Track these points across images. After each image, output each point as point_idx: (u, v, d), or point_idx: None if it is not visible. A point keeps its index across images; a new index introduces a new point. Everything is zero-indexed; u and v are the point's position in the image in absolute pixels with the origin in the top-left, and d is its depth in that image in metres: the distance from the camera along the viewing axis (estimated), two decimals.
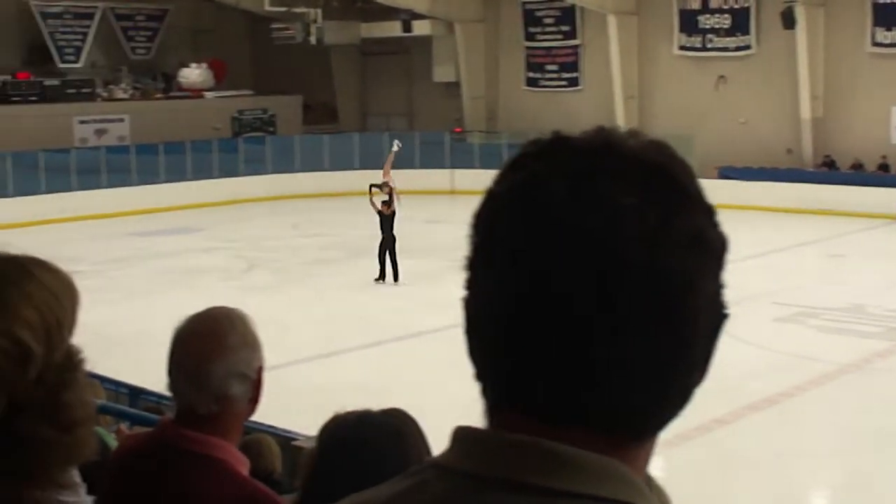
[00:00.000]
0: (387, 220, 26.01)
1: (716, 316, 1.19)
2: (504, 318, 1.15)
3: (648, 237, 1.12)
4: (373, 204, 26.50)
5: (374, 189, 27.11)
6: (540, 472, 1.13)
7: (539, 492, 1.12)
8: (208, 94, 48.02)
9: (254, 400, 2.96)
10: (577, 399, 1.14)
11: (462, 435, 1.20)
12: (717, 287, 1.19)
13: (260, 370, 2.95)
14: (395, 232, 25.88)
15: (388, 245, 25.87)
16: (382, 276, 25.84)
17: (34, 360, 1.36)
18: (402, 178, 42.93)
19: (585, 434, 1.14)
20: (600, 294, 1.11)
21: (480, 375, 1.20)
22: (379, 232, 25.77)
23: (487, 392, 1.20)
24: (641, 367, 1.13)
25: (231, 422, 2.93)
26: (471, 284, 1.20)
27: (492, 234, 1.17)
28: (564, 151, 1.17)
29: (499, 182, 1.19)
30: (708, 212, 1.19)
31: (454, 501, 1.16)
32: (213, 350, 2.87)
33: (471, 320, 1.20)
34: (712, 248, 1.17)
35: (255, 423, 9.74)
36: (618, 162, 1.15)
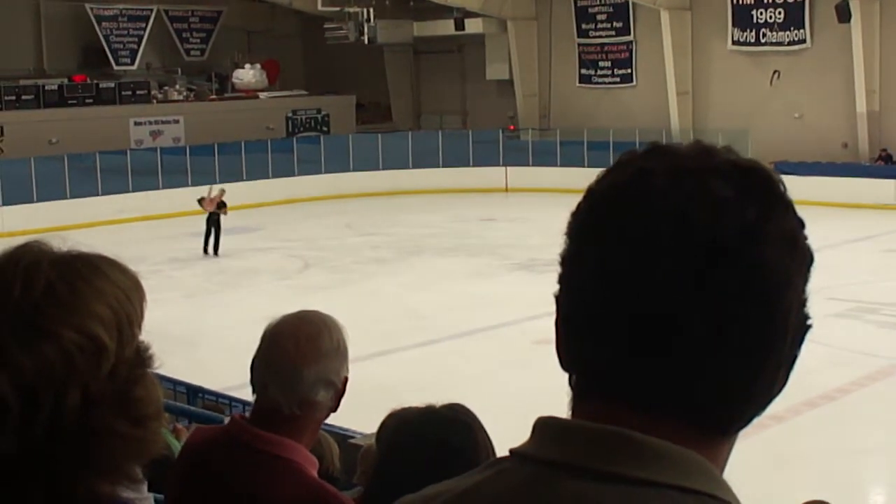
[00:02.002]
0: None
1: (803, 320, 1.23)
2: (602, 307, 1.18)
3: (748, 230, 1.15)
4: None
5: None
6: (625, 461, 1.15)
7: (624, 481, 1.14)
8: (262, 95, 48.23)
9: (333, 409, 2.99)
10: (671, 389, 1.16)
11: (544, 424, 1.22)
12: (804, 293, 1.22)
13: (345, 380, 2.97)
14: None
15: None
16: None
17: (108, 354, 1.39)
18: (456, 176, 43.13)
19: (675, 425, 1.17)
20: (702, 283, 1.14)
21: (571, 365, 1.23)
22: None
23: (578, 382, 1.22)
24: (731, 361, 1.16)
25: (308, 426, 2.95)
26: (566, 277, 1.23)
27: (596, 226, 1.20)
28: (667, 153, 1.22)
29: (600, 180, 1.23)
30: (800, 221, 1.24)
31: (538, 488, 1.18)
32: (309, 354, 2.89)
33: (565, 311, 1.23)
34: (804, 253, 1.22)
35: None
36: (717, 163, 1.20)
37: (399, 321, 21.85)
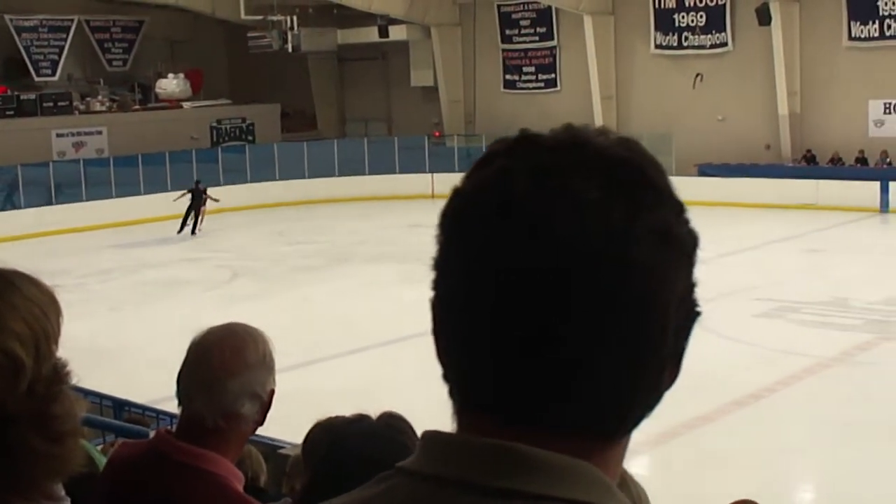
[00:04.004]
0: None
1: (687, 313, 1.17)
2: (470, 316, 1.13)
3: (613, 231, 1.10)
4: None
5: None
6: (508, 475, 1.11)
7: (507, 495, 1.11)
8: (186, 105, 47.96)
9: (259, 422, 2.95)
10: (544, 399, 1.12)
11: (430, 439, 1.18)
12: (688, 284, 1.17)
13: (272, 393, 2.94)
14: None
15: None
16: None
17: (25, 372, 1.36)
18: (382, 183, 43.19)
19: (554, 436, 1.13)
20: (566, 289, 1.09)
21: (448, 377, 1.19)
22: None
23: (455, 394, 1.18)
24: (609, 365, 1.12)
25: (233, 439, 2.91)
26: (438, 284, 1.18)
27: (458, 231, 1.16)
28: (531, 148, 1.16)
29: (465, 179, 1.18)
30: (676, 208, 1.17)
31: None
32: (233, 366, 2.86)
33: (438, 320, 1.18)
34: (681, 245, 1.15)
35: None
36: (583, 157, 1.14)
37: (328, 329, 21.78)
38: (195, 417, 2.87)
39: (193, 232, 36.14)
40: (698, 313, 1.20)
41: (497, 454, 1.12)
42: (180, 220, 36.36)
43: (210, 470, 2.83)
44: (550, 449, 1.11)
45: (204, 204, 36.53)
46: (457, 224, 1.16)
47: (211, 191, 37.36)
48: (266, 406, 2.93)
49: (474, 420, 1.15)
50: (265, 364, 2.92)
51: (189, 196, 36.69)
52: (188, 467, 2.83)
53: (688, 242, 1.17)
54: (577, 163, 1.13)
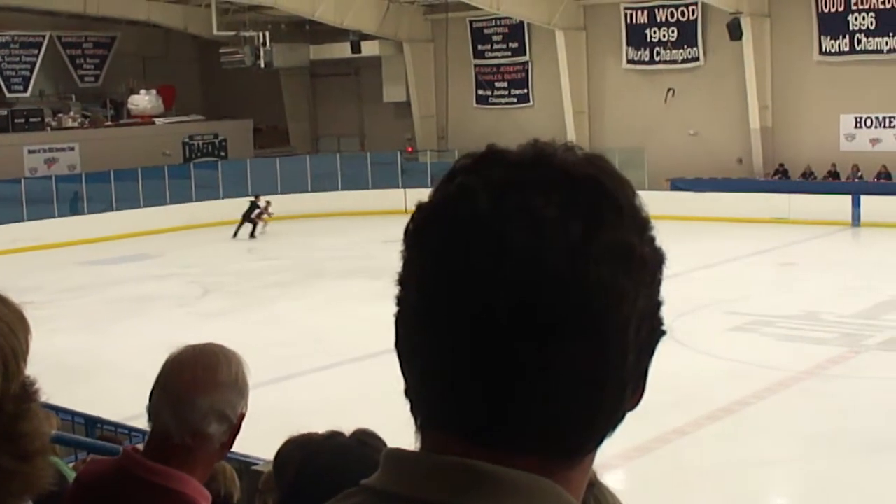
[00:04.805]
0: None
1: (650, 333, 1.17)
2: (427, 334, 1.13)
3: (571, 250, 1.09)
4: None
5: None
6: (469, 493, 1.10)
7: None
8: (158, 121, 47.84)
9: (227, 445, 2.92)
10: (503, 418, 1.11)
11: (392, 457, 1.18)
12: (651, 303, 1.16)
13: (242, 417, 2.91)
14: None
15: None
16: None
17: None
18: (355, 199, 43.22)
19: (516, 454, 1.12)
20: (524, 308, 1.08)
21: (409, 393, 1.18)
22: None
23: (416, 411, 1.18)
24: (568, 384, 1.11)
25: (200, 458, 2.88)
26: (401, 301, 1.17)
27: (419, 247, 1.16)
28: (494, 164, 1.15)
29: (430, 196, 1.18)
30: (640, 226, 1.16)
31: None
32: (203, 383, 2.83)
33: (400, 337, 1.18)
34: (643, 264, 1.14)
35: None
36: (545, 174, 1.13)
37: (301, 345, 21.74)
38: (162, 434, 2.85)
39: (252, 235, 38.98)
40: (663, 333, 1.19)
41: (458, 472, 1.11)
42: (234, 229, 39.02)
43: (176, 489, 2.81)
44: (512, 467, 1.11)
45: (253, 212, 39.09)
46: (417, 240, 1.16)
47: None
48: (235, 429, 2.90)
49: (436, 438, 1.15)
50: (236, 386, 2.89)
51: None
52: (155, 486, 2.81)
53: (651, 261, 1.16)
54: (538, 179, 1.13)
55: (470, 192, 1.13)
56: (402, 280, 1.17)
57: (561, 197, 1.11)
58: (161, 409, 2.87)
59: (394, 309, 1.18)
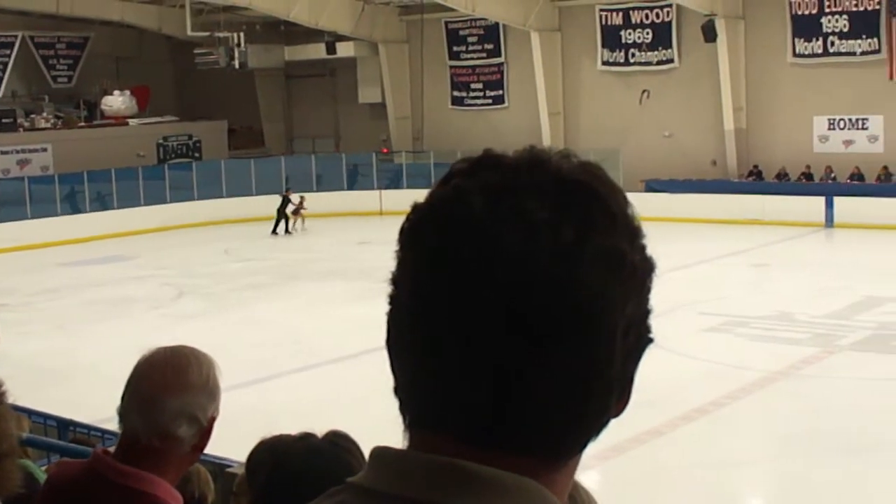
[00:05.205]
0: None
1: (638, 339, 1.18)
2: (419, 332, 1.15)
3: (562, 253, 1.11)
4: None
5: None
6: (455, 492, 1.12)
7: None
8: (132, 122, 47.68)
9: (199, 448, 2.91)
10: (491, 418, 1.13)
11: (379, 455, 1.19)
12: (640, 310, 1.18)
13: (212, 420, 2.89)
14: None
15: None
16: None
17: None
18: (330, 200, 43.11)
19: (502, 454, 1.13)
20: (514, 310, 1.10)
21: (399, 392, 1.20)
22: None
23: (405, 410, 1.19)
24: (556, 387, 1.12)
25: (170, 461, 2.86)
26: (394, 300, 1.19)
27: (413, 247, 1.17)
28: (490, 168, 1.17)
29: (426, 197, 1.19)
30: (631, 234, 1.17)
31: None
32: (173, 385, 2.82)
33: (391, 335, 1.20)
34: (632, 270, 1.16)
35: None
36: (539, 179, 1.15)
37: (277, 347, 21.68)
38: (132, 436, 2.84)
39: (287, 231, 39.58)
40: (650, 340, 1.21)
41: (445, 471, 1.13)
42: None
43: (146, 491, 2.80)
44: (498, 467, 1.12)
45: (286, 207, 39.52)
46: (411, 240, 1.18)
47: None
48: (206, 432, 2.87)
49: (424, 437, 1.16)
50: (207, 388, 2.87)
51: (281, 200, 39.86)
52: (124, 488, 2.79)
53: (641, 269, 1.18)
54: (532, 184, 1.14)
55: (465, 195, 1.14)
56: (396, 279, 1.19)
57: (554, 202, 1.13)
58: (130, 410, 2.85)
59: (382, 309, 1.20)
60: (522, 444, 1.14)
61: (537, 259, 1.11)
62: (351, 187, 44.57)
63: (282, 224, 39.43)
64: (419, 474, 1.14)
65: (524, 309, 1.10)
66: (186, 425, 2.83)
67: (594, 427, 1.18)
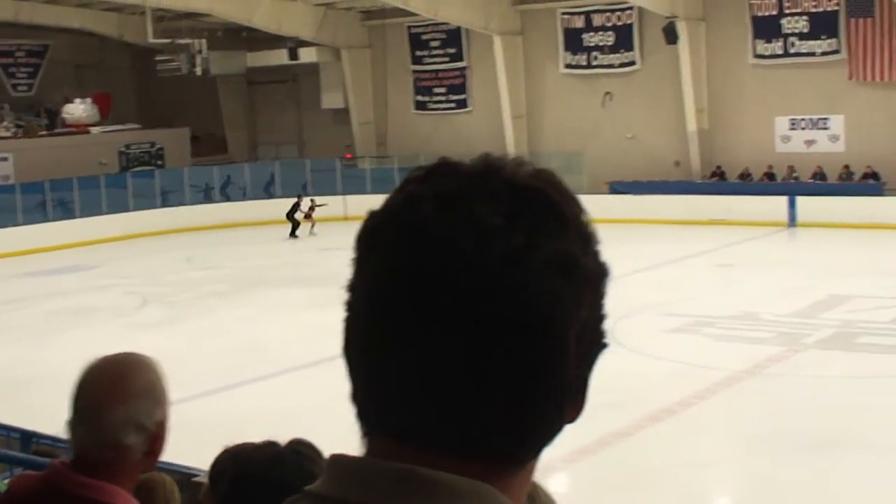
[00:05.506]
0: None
1: (591, 344, 1.19)
2: (373, 339, 1.15)
3: (514, 258, 1.11)
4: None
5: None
6: (412, 498, 1.12)
7: None
8: (94, 130, 47.44)
9: (152, 453, 2.87)
10: (446, 423, 1.13)
11: (337, 462, 1.19)
12: (594, 315, 1.18)
13: (161, 424, 2.84)
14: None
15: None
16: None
17: None
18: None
19: (458, 460, 1.14)
20: (467, 315, 1.11)
21: (355, 398, 1.20)
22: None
23: (362, 416, 1.20)
24: (510, 391, 1.13)
25: (124, 470, 2.82)
26: (350, 306, 1.19)
27: (367, 253, 1.18)
28: (444, 175, 1.18)
29: (381, 204, 1.19)
30: (584, 239, 1.18)
31: None
32: (115, 395, 2.77)
33: (348, 342, 1.20)
34: (585, 275, 1.16)
35: None
36: (493, 186, 1.15)
37: (241, 355, 21.60)
38: (81, 448, 2.81)
39: (292, 235, 39.79)
40: (604, 345, 1.21)
41: (401, 478, 1.13)
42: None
43: (104, 501, 2.77)
44: (455, 472, 1.13)
45: (294, 212, 39.99)
46: (367, 247, 1.18)
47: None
48: (155, 437, 2.84)
49: (381, 443, 1.16)
50: (151, 394, 2.83)
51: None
52: (82, 499, 2.77)
53: (594, 274, 1.18)
54: (485, 190, 1.15)
55: (419, 201, 1.15)
56: (352, 286, 1.19)
57: (507, 208, 1.14)
58: (77, 423, 2.83)
59: (343, 314, 1.20)
60: (478, 448, 1.14)
61: (490, 264, 1.11)
62: (314, 193, 44.46)
63: (291, 227, 39.59)
64: (375, 481, 1.14)
65: (478, 314, 1.11)
66: (134, 433, 2.79)
67: (549, 432, 1.18)
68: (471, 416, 1.13)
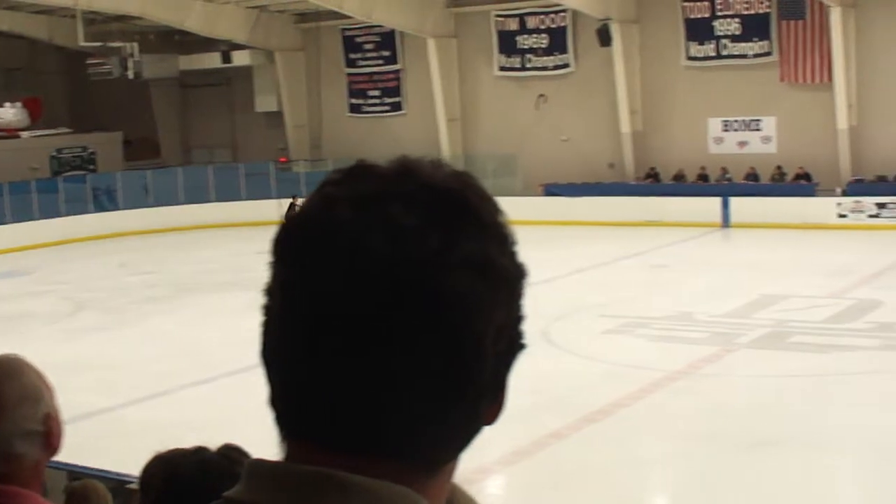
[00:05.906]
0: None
1: (508, 346, 1.18)
2: (291, 343, 1.15)
3: (429, 259, 1.11)
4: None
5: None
6: (324, 500, 1.12)
7: None
8: (24, 134, 46.88)
9: (50, 446, 2.73)
10: (363, 426, 1.13)
11: (254, 468, 1.19)
12: (511, 316, 1.18)
13: (48, 418, 2.71)
14: None
15: None
16: None
17: None
18: (228, 210, 42.85)
19: (375, 462, 1.14)
20: (381, 316, 1.10)
21: (273, 403, 1.20)
22: None
23: (279, 420, 1.19)
24: (424, 393, 1.13)
25: (27, 474, 2.75)
26: (268, 310, 1.19)
27: (282, 256, 1.18)
28: (360, 177, 1.17)
29: (299, 208, 1.20)
30: (501, 240, 1.18)
31: None
32: None
33: (265, 346, 1.20)
34: (502, 277, 1.16)
35: (85, 468, 9.50)
36: (408, 187, 1.15)
37: (176, 360, 21.45)
38: None
39: None
40: (522, 346, 1.21)
41: (317, 481, 1.13)
42: None
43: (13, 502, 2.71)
44: (372, 475, 1.13)
45: (290, 212, 39.64)
46: (281, 249, 1.18)
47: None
48: (48, 433, 2.73)
49: (298, 447, 1.16)
50: (26, 397, 2.70)
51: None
52: None
53: (511, 275, 1.18)
54: (400, 192, 1.15)
55: (333, 203, 1.15)
56: (269, 289, 1.19)
57: (422, 209, 1.14)
58: None
59: (261, 318, 1.20)
60: (394, 451, 1.14)
61: (404, 266, 1.11)
62: (249, 197, 44.25)
63: None
64: (291, 485, 1.14)
65: (392, 316, 1.10)
66: (23, 442, 2.70)
67: (466, 434, 1.18)
68: (385, 419, 1.13)
